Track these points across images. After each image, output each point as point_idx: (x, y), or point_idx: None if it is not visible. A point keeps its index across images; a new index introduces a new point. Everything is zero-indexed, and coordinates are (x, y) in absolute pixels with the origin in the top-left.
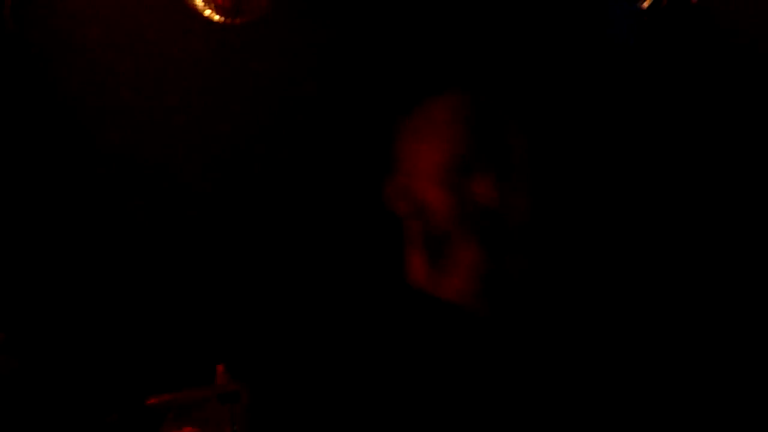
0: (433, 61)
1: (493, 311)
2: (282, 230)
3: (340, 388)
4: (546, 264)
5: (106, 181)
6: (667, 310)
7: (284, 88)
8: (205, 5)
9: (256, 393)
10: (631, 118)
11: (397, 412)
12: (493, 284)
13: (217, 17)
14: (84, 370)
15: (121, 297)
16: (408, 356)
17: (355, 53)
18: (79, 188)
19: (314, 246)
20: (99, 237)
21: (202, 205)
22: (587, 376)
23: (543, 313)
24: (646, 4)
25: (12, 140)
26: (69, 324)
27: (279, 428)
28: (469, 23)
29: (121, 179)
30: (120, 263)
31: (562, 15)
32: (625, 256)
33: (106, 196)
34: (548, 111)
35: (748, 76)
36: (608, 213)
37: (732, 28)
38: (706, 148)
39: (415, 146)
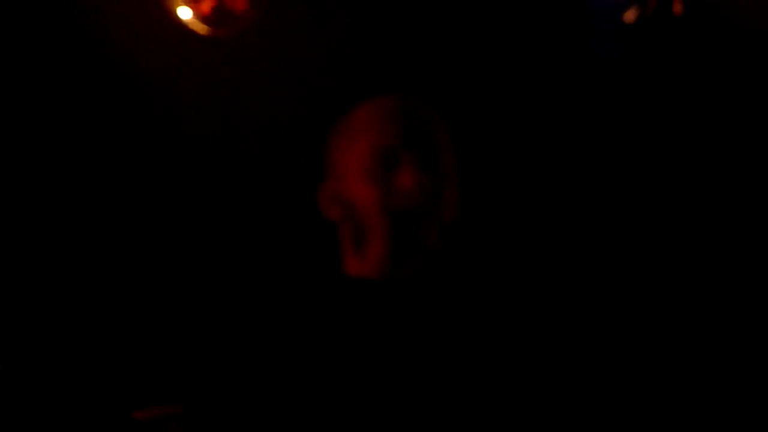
0: (372, 68)
1: (409, 286)
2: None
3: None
4: (462, 250)
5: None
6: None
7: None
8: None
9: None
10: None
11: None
12: (408, 260)
13: (200, 29)
14: (73, 381)
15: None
16: (335, 335)
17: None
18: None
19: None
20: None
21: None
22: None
23: (454, 290)
24: (631, 19)
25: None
26: (57, 333)
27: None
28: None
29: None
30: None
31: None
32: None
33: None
34: (475, 109)
35: (731, 86)
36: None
37: (719, 39)
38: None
39: (343, 148)
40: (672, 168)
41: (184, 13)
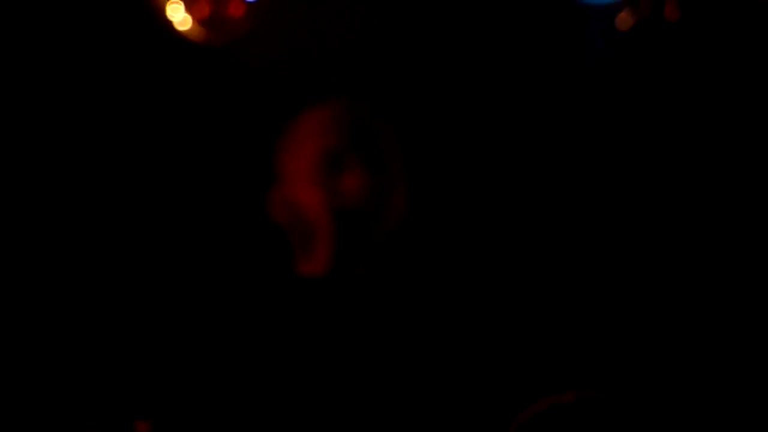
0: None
1: (358, 284)
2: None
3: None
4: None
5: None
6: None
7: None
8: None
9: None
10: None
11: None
12: (356, 259)
13: (193, 36)
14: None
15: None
16: (287, 333)
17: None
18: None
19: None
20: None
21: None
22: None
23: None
24: (626, 25)
25: None
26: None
27: None
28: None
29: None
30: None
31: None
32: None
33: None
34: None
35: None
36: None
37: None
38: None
39: (290, 153)
40: (667, 170)
41: (178, 18)
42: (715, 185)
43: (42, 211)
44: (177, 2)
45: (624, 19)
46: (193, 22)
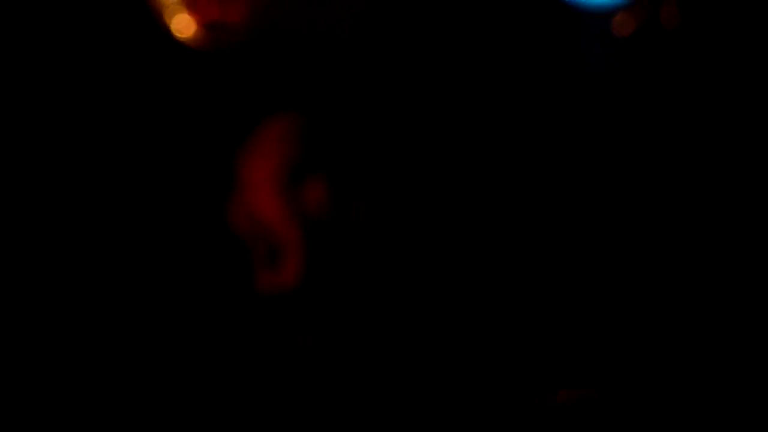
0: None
1: (324, 296)
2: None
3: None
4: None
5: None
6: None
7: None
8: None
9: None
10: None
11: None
12: (322, 270)
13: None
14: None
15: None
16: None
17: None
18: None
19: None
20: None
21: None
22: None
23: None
24: (626, 33)
25: None
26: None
27: None
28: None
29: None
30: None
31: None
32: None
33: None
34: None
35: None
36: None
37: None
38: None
39: (252, 164)
40: (666, 174)
41: (178, 23)
42: (714, 189)
43: (39, 213)
44: (178, 6)
45: (622, 24)
46: (195, 27)
